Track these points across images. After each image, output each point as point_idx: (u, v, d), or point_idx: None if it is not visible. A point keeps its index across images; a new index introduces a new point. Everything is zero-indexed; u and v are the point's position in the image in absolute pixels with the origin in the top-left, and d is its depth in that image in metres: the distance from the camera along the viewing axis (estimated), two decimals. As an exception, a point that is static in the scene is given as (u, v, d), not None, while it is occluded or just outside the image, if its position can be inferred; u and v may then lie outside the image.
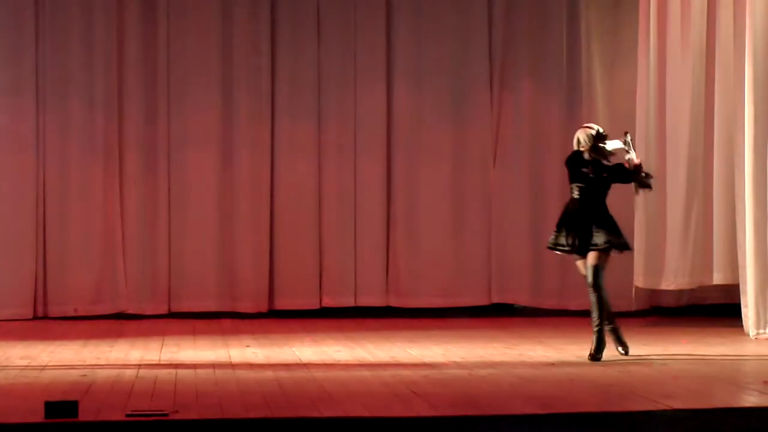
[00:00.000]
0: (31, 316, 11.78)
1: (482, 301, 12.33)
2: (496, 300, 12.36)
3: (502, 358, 8.85)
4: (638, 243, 11.27)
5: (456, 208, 12.35)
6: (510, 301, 12.41)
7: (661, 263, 11.16)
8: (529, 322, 11.58)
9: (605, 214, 8.74)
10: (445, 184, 12.32)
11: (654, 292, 11.78)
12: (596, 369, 8.23)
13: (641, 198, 10.99)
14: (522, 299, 12.37)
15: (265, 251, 12.09)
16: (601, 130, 8.80)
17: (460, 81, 12.33)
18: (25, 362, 8.58)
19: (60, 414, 6.06)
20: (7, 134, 11.83)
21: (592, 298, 8.64)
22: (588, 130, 8.86)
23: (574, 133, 12.51)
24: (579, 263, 8.81)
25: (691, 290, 11.52)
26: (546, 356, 8.97)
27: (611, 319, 8.78)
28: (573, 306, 11.91)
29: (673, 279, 11.15)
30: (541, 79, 12.35)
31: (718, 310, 11.63)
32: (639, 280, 11.39)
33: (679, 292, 11.69)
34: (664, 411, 6.39)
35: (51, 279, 11.92)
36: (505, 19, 12.36)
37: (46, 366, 8.39)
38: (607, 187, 8.78)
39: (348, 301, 12.17)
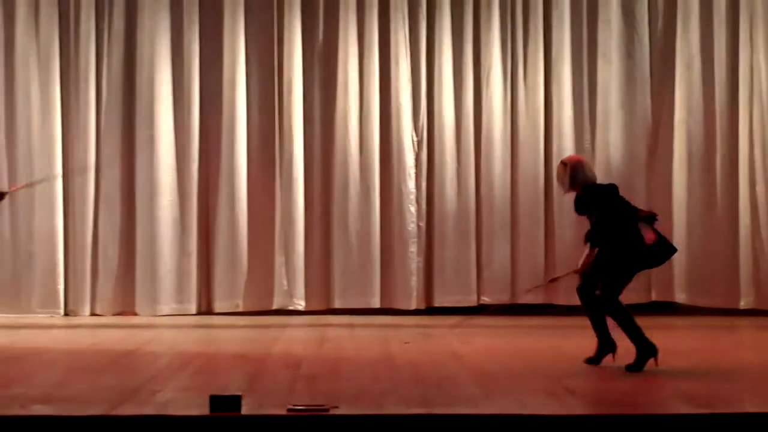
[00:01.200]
0: (195, 312, 12.05)
1: (643, 298, 12.20)
2: (656, 297, 12.25)
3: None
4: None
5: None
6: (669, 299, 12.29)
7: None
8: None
9: None
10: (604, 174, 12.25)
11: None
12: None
13: None
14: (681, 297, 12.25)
15: (422, 250, 12.20)
16: None
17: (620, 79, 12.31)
18: (190, 357, 8.71)
19: (224, 408, 6.14)
20: (175, 139, 12.16)
21: None
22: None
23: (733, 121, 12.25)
24: None
25: None
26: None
27: None
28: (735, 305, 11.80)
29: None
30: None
31: None
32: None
33: None
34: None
35: (216, 276, 12.18)
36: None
37: (210, 361, 8.56)
38: None
39: (504, 298, 12.18)
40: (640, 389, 7.20)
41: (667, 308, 12.22)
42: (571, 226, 12.14)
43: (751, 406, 6.63)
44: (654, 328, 8.12)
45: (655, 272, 11.94)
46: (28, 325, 11.24)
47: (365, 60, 12.28)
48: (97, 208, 12.07)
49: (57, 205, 12.04)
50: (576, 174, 8.21)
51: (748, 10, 12.11)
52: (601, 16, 12.30)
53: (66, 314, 12.08)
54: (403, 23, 12.26)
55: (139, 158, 12.14)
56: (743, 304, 12.00)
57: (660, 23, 12.32)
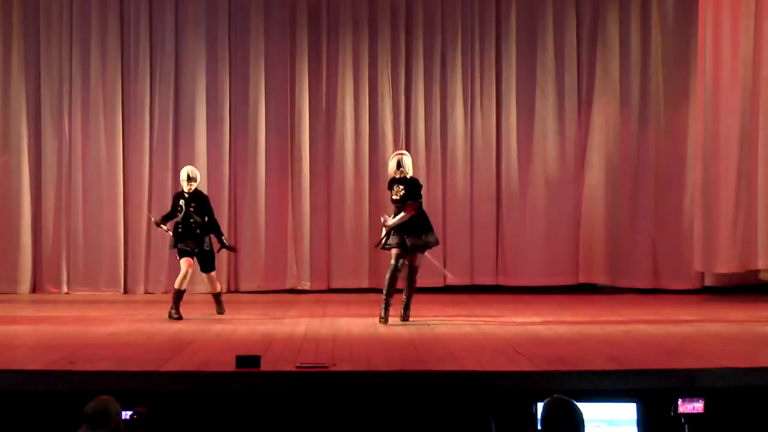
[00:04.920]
0: (225, 291, 11.98)
1: (571, 281, 12.19)
2: (582, 280, 12.22)
3: (587, 326, 8.76)
4: (697, 234, 11.04)
5: (550, 206, 12.24)
6: (592, 281, 12.25)
7: (716, 251, 10.89)
8: (608, 299, 11.43)
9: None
10: (542, 188, 12.23)
11: (710, 274, 11.49)
12: (660, 333, 8.08)
13: (700, 199, 10.82)
14: (602, 279, 12.21)
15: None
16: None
17: (557, 101, 12.23)
18: (221, 326, 8.73)
19: (247, 365, 6.16)
20: (208, 155, 12.10)
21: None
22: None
23: (644, 141, 12.34)
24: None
25: (739, 273, 11.19)
26: (621, 325, 8.84)
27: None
28: (640, 285, 11.79)
29: (725, 264, 10.88)
30: (617, 98, 12.17)
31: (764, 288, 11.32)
32: (698, 265, 11.14)
33: (730, 275, 11.38)
34: (718, 368, 6.26)
35: (241, 262, 12.15)
36: (588, 59, 12.24)
37: (236, 328, 8.54)
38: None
39: (466, 281, 12.16)
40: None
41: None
42: (514, 221, 12.18)
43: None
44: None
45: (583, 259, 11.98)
46: (98, 300, 11.16)
47: (358, 95, 12.26)
48: (150, 208, 11.99)
49: (119, 205, 11.98)
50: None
51: (660, 57, 12.06)
52: (539, 60, 12.25)
53: (125, 292, 12.01)
54: (387, 68, 12.23)
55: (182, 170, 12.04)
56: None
57: (585, 66, 12.28)
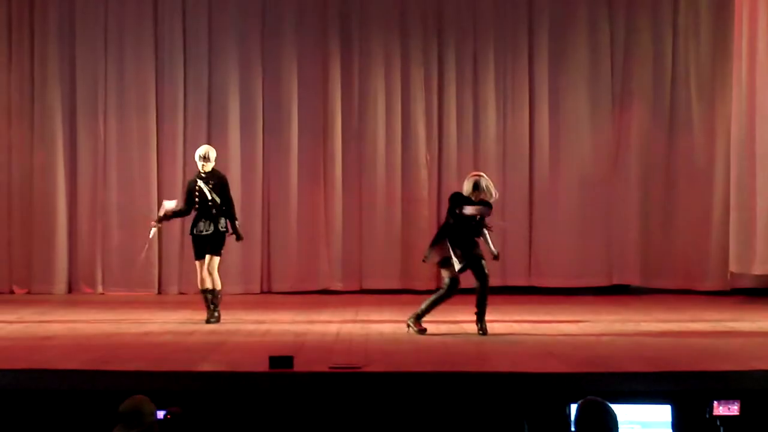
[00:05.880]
0: (258, 291, 12.05)
1: (604, 282, 12.11)
2: (615, 281, 12.14)
3: (620, 328, 8.70)
4: (733, 236, 10.94)
5: (582, 207, 12.17)
6: (625, 282, 12.16)
7: (752, 253, 10.78)
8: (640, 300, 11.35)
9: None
10: (574, 189, 12.16)
11: (741, 276, 11.36)
12: (694, 334, 8.01)
13: (735, 201, 10.73)
14: (635, 280, 12.11)
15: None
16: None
17: (589, 103, 12.16)
18: (254, 326, 8.74)
19: (280, 365, 6.17)
20: (241, 156, 12.12)
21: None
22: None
23: (676, 142, 12.27)
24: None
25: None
26: (655, 326, 8.77)
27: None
28: (673, 286, 11.70)
29: (761, 265, 10.76)
30: (650, 103, 12.09)
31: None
32: (733, 266, 11.03)
33: (765, 276, 11.24)
34: (752, 371, 6.19)
35: (274, 263, 12.18)
36: (622, 60, 12.17)
37: (269, 329, 8.54)
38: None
39: (498, 282, 12.09)
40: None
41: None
42: (546, 222, 12.12)
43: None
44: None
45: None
46: (132, 300, 11.22)
47: (390, 96, 12.21)
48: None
49: (152, 206, 12.02)
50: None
51: (693, 58, 11.98)
52: (571, 61, 12.17)
53: (159, 293, 12.07)
54: (419, 69, 12.19)
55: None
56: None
57: (618, 67, 12.19)
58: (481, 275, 8.08)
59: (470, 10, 12.21)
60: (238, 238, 9.12)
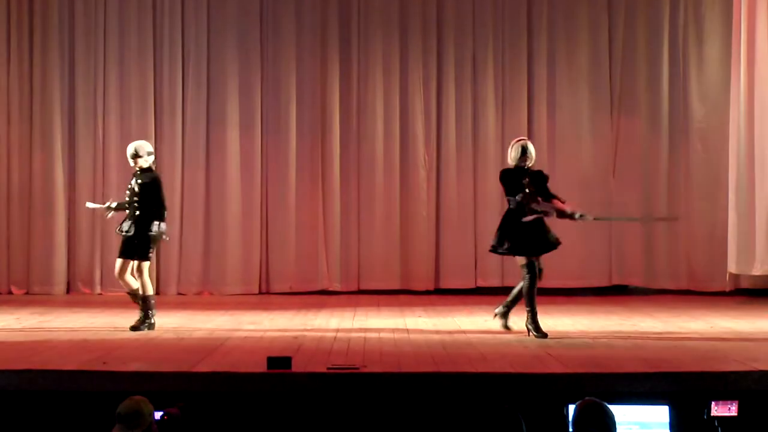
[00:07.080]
0: (257, 292, 12.05)
1: (603, 282, 12.11)
2: (615, 282, 12.13)
3: (619, 328, 8.70)
4: (731, 236, 10.94)
5: (582, 207, 12.14)
6: (625, 283, 12.16)
7: (751, 254, 10.77)
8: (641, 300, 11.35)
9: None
10: (572, 190, 12.14)
11: (739, 276, 11.36)
12: (693, 335, 8.01)
13: (734, 202, 10.73)
14: (635, 281, 12.11)
15: (432, 243, 12.12)
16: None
17: (588, 103, 12.15)
18: (252, 327, 8.74)
19: (278, 366, 6.16)
20: (240, 156, 12.12)
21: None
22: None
23: (676, 142, 12.24)
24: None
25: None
26: (653, 326, 8.77)
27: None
28: (673, 286, 11.68)
29: (761, 266, 10.75)
30: (649, 103, 12.08)
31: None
32: (732, 267, 11.02)
33: (765, 277, 11.23)
34: (751, 371, 6.19)
35: (272, 263, 12.17)
36: (621, 61, 12.16)
37: (267, 330, 8.54)
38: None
39: (497, 282, 12.08)
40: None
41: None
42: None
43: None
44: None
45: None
46: (131, 301, 11.18)
47: (389, 96, 12.20)
48: (182, 212, 12.06)
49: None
50: None
51: (693, 58, 11.98)
52: (571, 61, 12.17)
53: (156, 293, 12.02)
54: (418, 69, 12.19)
55: (214, 173, 12.12)
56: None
57: (617, 68, 12.19)
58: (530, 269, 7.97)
59: (469, 11, 12.21)
60: (155, 238, 8.43)
